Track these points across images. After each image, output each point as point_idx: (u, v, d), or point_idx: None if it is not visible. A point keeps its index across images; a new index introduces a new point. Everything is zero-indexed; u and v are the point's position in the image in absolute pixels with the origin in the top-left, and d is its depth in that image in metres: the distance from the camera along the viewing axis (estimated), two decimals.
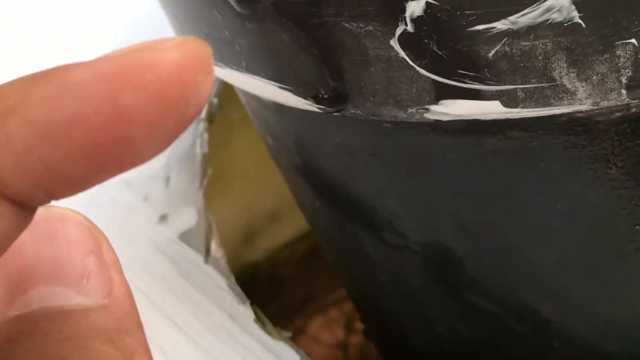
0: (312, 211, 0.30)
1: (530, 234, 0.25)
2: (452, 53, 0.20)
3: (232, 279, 0.31)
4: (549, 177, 0.23)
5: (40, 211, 0.14)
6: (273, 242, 0.59)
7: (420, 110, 0.21)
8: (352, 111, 0.22)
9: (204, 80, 0.12)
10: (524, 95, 0.20)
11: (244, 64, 0.23)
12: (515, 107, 0.20)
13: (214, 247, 0.32)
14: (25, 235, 0.14)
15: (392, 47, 0.20)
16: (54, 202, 0.13)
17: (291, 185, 0.30)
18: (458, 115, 0.21)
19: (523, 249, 0.25)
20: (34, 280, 0.14)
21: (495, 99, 0.20)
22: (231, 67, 0.24)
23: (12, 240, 0.13)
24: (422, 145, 0.23)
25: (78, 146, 0.12)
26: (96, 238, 0.15)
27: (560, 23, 0.19)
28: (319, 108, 0.23)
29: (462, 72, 0.20)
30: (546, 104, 0.20)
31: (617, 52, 0.19)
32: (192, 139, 0.37)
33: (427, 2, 0.19)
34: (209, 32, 0.23)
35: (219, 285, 0.31)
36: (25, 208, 0.12)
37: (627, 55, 0.19)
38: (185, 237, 0.33)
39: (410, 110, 0.21)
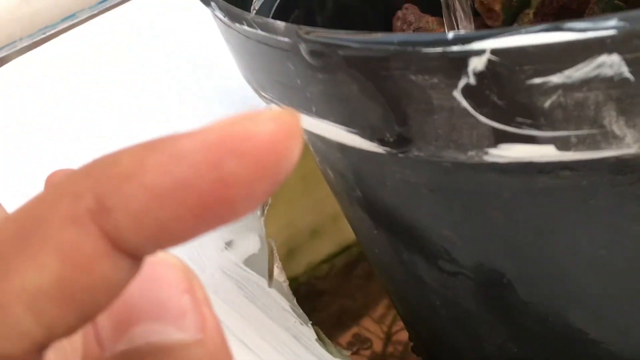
0: (369, 239, 0.32)
1: (578, 263, 0.26)
2: (510, 103, 0.22)
3: (295, 301, 0.33)
4: (597, 212, 0.25)
5: None
6: (313, 257, 0.61)
7: (480, 153, 0.23)
8: (415, 153, 0.24)
9: (295, 148, 0.13)
10: (576, 141, 0.22)
11: (314, 109, 0.25)
12: (568, 150, 0.22)
13: (277, 271, 0.34)
14: None
15: (455, 98, 0.22)
16: None
17: (350, 215, 0.32)
18: (515, 158, 0.23)
19: (571, 276, 0.27)
20: (138, 317, 0.15)
21: (550, 144, 0.22)
22: (301, 112, 0.26)
23: (126, 286, 0.14)
24: (479, 183, 0.25)
25: (186, 207, 0.13)
26: (189, 278, 0.16)
27: (611, 77, 0.21)
28: (384, 150, 0.25)
29: (519, 120, 0.22)
30: (597, 148, 0.22)
31: None
32: None
33: (488, 59, 0.21)
34: (280, 80, 0.25)
35: (283, 307, 0.33)
36: (137, 258, 0.14)
37: None
38: (249, 262, 0.35)
39: (470, 153, 0.23)
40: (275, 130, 0.13)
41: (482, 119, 0.22)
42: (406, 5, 0.42)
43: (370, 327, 0.60)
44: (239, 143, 0.13)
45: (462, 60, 0.21)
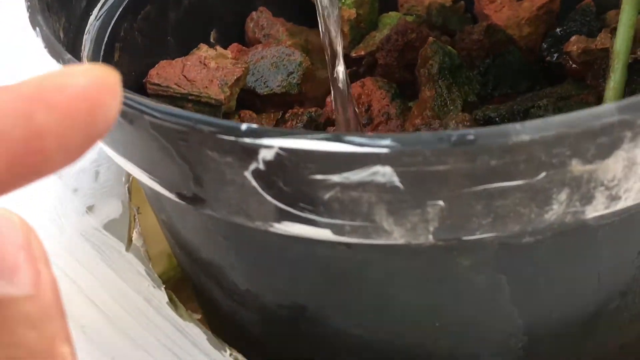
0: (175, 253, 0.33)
1: (343, 317, 0.29)
2: (294, 190, 0.23)
3: (150, 265, 0.34)
4: (369, 282, 0.27)
5: None
6: None
7: (266, 225, 0.25)
8: (209, 212, 0.26)
9: (111, 102, 0.14)
10: (350, 229, 0.24)
11: (121, 149, 0.26)
12: (343, 236, 0.24)
13: (135, 236, 0.35)
14: None
15: (246, 177, 0.24)
16: None
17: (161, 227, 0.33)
18: (297, 234, 0.25)
19: (343, 329, 0.29)
20: None
21: (327, 228, 0.24)
22: (109, 145, 0.27)
23: None
24: (267, 241, 0.27)
25: (0, 157, 0.13)
26: (27, 235, 0.16)
27: (383, 184, 0.22)
28: (181, 201, 0.26)
29: (301, 205, 0.24)
30: (368, 238, 0.24)
31: (427, 209, 0.23)
32: None
33: (277, 153, 0.22)
34: None
35: (138, 271, 0.34)
36: None
37: (435, 212, 0.23)
38: (109, 226, 0.36)
39: (257, 222, 0.25)
40: (88, 83, 0.14)
41: (269, 198, 0.24)
42: (261, 8, 0.43)
43: None
44: (51, 95, 0.13)
45: (252, 150, 0.23)
